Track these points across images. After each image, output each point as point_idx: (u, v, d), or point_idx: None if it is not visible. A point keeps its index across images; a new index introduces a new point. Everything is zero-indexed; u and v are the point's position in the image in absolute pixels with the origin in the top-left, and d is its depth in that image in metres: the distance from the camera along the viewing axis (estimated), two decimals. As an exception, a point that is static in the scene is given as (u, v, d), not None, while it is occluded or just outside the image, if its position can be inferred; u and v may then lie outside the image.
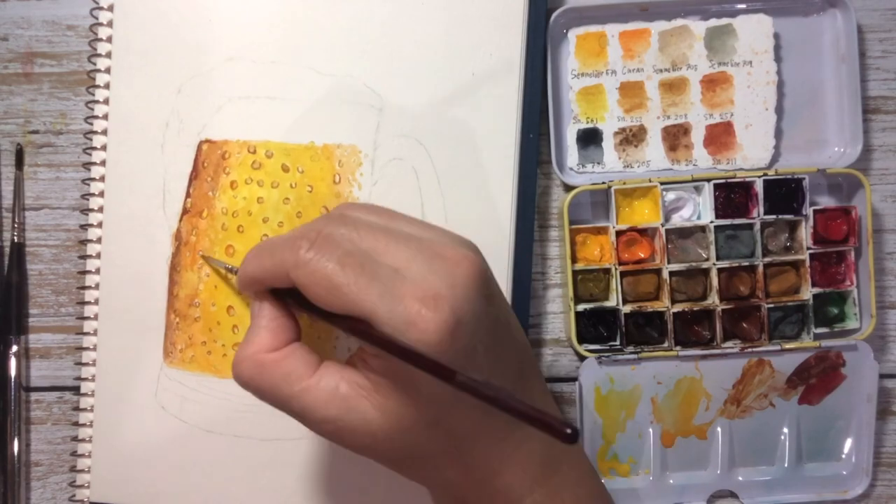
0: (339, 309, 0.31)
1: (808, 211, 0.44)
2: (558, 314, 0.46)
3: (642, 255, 0.45)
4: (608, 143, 0.45)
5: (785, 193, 0.44)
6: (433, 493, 0.37)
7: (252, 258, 0.34)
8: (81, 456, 0.45)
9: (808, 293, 0.45)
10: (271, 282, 0.33)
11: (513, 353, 0.35)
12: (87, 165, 0.44)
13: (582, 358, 0.45)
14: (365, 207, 0.35)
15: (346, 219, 0.33)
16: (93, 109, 0.44)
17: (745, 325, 0.45)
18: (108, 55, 0.44)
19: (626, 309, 0.44)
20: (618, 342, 0.45)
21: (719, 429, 0.46)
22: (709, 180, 0.44)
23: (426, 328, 0.30)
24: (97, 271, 0.44)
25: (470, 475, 0.34)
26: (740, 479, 0.46)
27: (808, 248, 0.44)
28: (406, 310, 0.30)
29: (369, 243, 0.32)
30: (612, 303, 0.45)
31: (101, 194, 0.44)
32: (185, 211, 0.44)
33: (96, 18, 0.44)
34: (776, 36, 0.45)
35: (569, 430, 0.25)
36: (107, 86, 0.44)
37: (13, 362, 0.46)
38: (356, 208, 0.34)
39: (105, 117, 0.44)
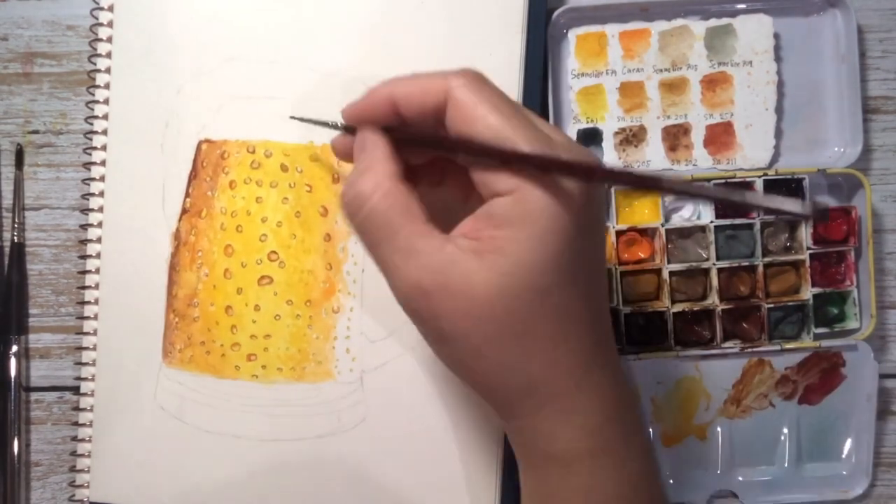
0: (485, 135, 0.29)
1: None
2: (558, 314, 0.46)
3: (642, 255, 0.45)
4: (608, 143, 0.45)
5: (785, 193, 0.44)
6: (499, 403, 0.33)
7: (396, 78, 0.32)
8: (81, 456, 0.45)
9: (808, 293, 0.45)
10: (413, 104, 0.31)
11: (603, 277, 0.34)
12: (87, 165, 0.44)
13: (582, 358, 0.45)
14: None
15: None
16: (93, 109, 0.44)
17: (745, 325, 0.45)
18: (108, 55, 0.44)
19: (626, 309, 0.44)
20: (618, 342, 0.45)
21: (719, 429, 0.46)
22: (709, 180, 0.44)
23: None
24: (97, 271, 0.44)
25: (554, 380, 0.31)
26: (740, 479, 0.46)
27: (808, 248, 0.44)
28: (553, 150, 0.29)
29: (520, 106, 0.31)
30: (612, 303, 0.45)
31: (101, 194, 0.44)
32: (184, 210, 0.44)
33: (96, 18, 0.44)
34: (776, 36, 0.45)
35: (808, 210, 0.23)
36: (107, 86, 0.44)
37: (13, 362, 0.46)
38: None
39: (105, 117, 0.44)
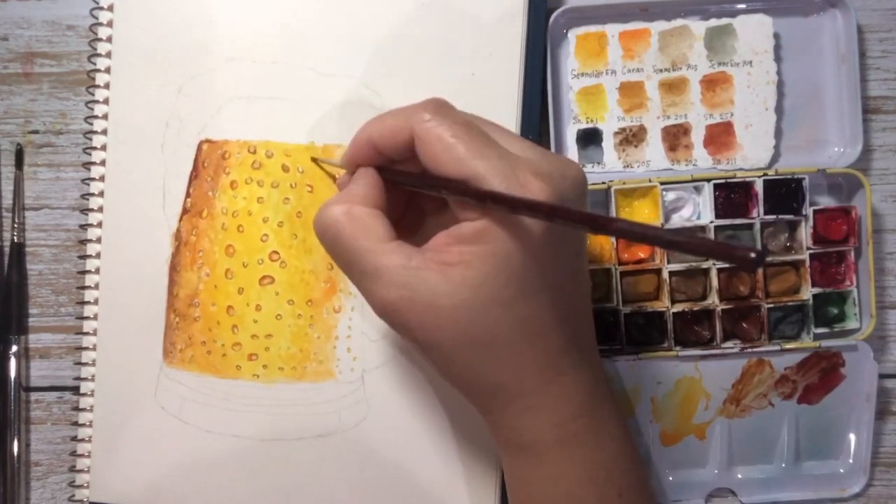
0: (451, 167, 0.31)
1: (808, 211, 0.44)
2: (558, 314, 0.46)
3: (642, 256, 0.45)
4: (608, 143, 0.45)
5: (785, 193, 0.44)
6: (474, 402, 0.36)
7: (371, 122, 0.34)
8: (81, 456, 0.45)
9: (807, 293, 0.45)
10: (387, 143, 0.33)
11: (586, 276, 0.36)
12: (87, 165, 0.44)
13: (582, 358, 0.45)
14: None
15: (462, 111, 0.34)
16: (93, 109, 0.44)
17: (744, 325, 0.45)
18: (108, 55, 0.44)
19: (626, 309, 0.44)
20: (618, 342, 0.45)
21: (718, 428, 0.46)
22: (709, 180, 0.44)
23: (537, 196, 0.30)
24: (97, 271, 0.44)
25: (522, 380, 0.33)
26: (739, 477, 0.46)
27: (808, 248, 0.44)
28: (519, 177, 0.30)
29: (486, 128, 0.33)
30: (612, 303, 0.45)
31: (101, 194, 0.44)
32: (185, 211, 0.44)
33: (96, 18, 0.44)
34: (776, 36, 0.45)
35: (753, 255, 0.23)
36: (107, 86, 0.44)
37: (13, 362, 0.46)
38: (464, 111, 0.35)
39: (105, 117, 0.44)
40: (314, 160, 0.43)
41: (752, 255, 0.22)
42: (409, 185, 0.35)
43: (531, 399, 0.34)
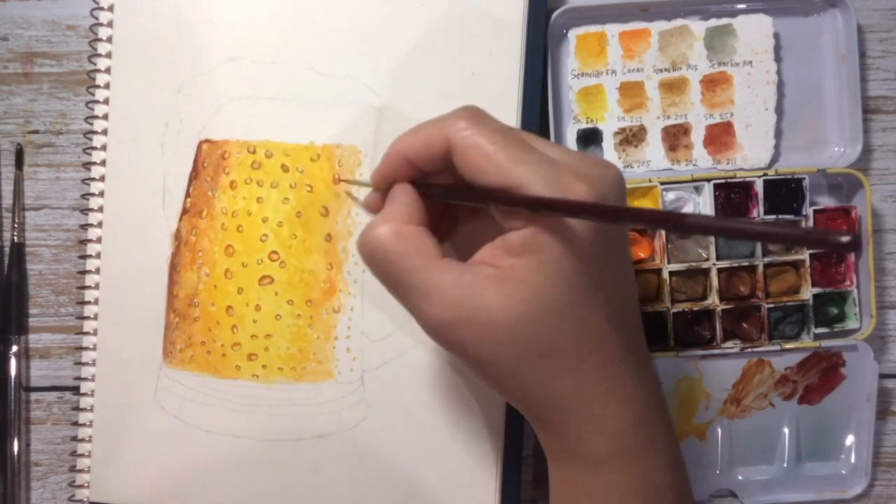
0: (492, 176, 0.30)
1: (808, 211, 0.44)
2: (558, 314, 0.46)
3: (642, 255, 0.45)
4: (608, 143, 0.45)
5: (785, 193, 0.44)
6: (533, 416, 0.35)
7: (404, 135, 0.33)
8: (81, 456, 0.45)
9: (808, 293, 0.45)
10: (422, 156, 0.33)
11: (632, 280, 0.35)
12: (87, 165, 0.44)
13: (582, 358, 0.45)
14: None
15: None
16: (93, 109, 0.44)
17: (745, 325, 0.45)
18: (108, 55, 0.44)
19: (626, 309, 0.44)
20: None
21: (719, 429, 0.46)
22: (709, 180, 0.44)
23: (581, 196, 0.30)
24: (97, 271, 0.44)
25: (581, 390, 0.33)
26: (740, 478, 0.46)
27: (808, 248, 0.44)
28: (562, 180, 0.30)
29: (521, 134, 0.32)
30: (611, 303, 0.45)
31: (101, 194, 0.44)
32: (184, 211, 0.44)
33: (96, 18, 0.44)
34: (776, 36, 0.45)
35: (847, 238, 0.22)
36: (107, 86, 0.44)
37: (13, 362, 0.46)
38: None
39: (105, 117, 0.44)
40: (341, 180, 0.43)
41: (846, 238, 0.21)
42: (449, 199, 0.34)
43: (592, 409, 0.33)
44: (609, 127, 0.45)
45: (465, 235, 0.36)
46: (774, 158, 0.45)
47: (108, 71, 0.44)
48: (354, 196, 0.43)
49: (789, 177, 0.44)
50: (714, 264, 0.44)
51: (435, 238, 0.33)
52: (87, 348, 0.44)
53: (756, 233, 0.24)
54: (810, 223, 0.44)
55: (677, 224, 0.25)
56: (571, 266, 0.30)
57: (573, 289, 0.31)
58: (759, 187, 0.44)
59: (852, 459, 0.46)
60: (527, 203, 0.30)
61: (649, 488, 0.35)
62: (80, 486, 0.45)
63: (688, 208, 0.45)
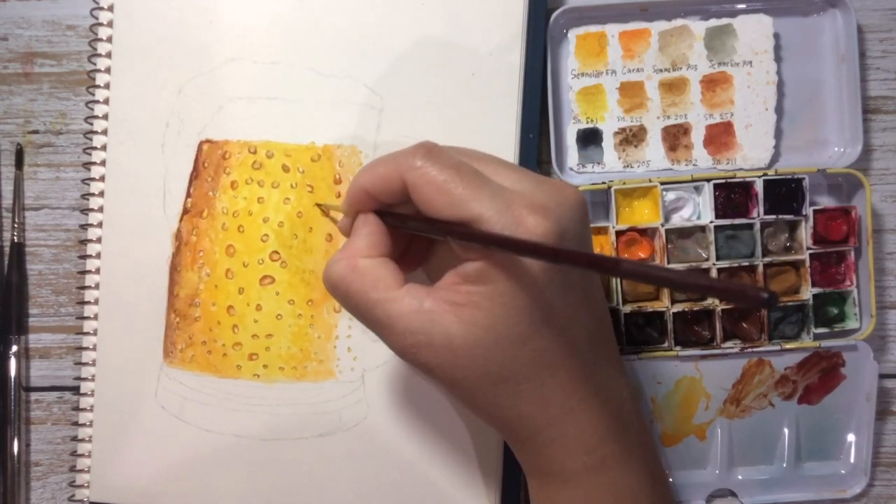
0: (446, 212, 0.31)
1: (808, 211, 0.44)
2: (558, 314, 0.46)
3: (642, 256, 0.45)
4: (608, 143, 0.45)
5: (785, 193, 0.44)
6: (504, 435, 0.37)
7: (364, 170, 0.34)
8: (81, 456, 0.45)
9: (808, 293, 0.45)
10: (381, 191, 0.34)
11: (599, 299, 0.36)
12: (87, 165, 0.44)
13: (582, 358, 0.45)
14: (464, 147, 0.36)
15: (451, 148, 0.34)
16: (93, 109, 0.44)
17: (745, 325, 0.45)
18: (108, 55, 0.44)
19: (626, 309, 0.44)
20: (618, 342, 0.45)
21: (719, 429, 0.46)
22: (709, 180, 0.44)
23: (534, 231, 0.30)
24: (97, 271, 0.44)
25: (545, 411, 0.34)
26: (740, 478, 0.46)
27: (808, 248, 0.44)
28: (515, 214, 0.30)
29: (478, 165, 0.33)
30: (612, 303, 0.45)
31: (101, 194, 0.44)
32: (185, 211, 0.44)
33: (96, 18, 0.44)
34: (776, 36, 0.45)
35: (765, 295, 0.22)
36: (107, 86, 0.44)
37: (13, 362, 0.46)
38: (456, 146, 0.35)
39: (105, 117, 0.44)
40: (317, 205, 0.43)
41: (765, 295, 0.22)
42: (411, 230, 0.35)
43: (557, 428, 0.34)
44: (609, 127, 0.45)
45: (442, 256, 0.37)
46: (774, 158, 0.45)
47: (108, 71, 0.44)
48: (332, 218, 0.43)
49: (789, 177, 0.44)
50: (714, 264, 0.44)
51: (395, 266, 0.34)
52: (87, 348, 0.44)
53: (677, 283, 0.24)
54: (810, 223, 0.44)
55: (612, 269, 0.26)
56: (524, 299, 0.31)
57: (530, 319, 0.32)
58: (759, 187, 0.44)
59: (852, 459, 0.46)
60: (478, 239, 0.30)
61: (624, 499, 0.36)
62: (81, 486, 0.45)
63: (688, 208, 0.45)
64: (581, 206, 0.33)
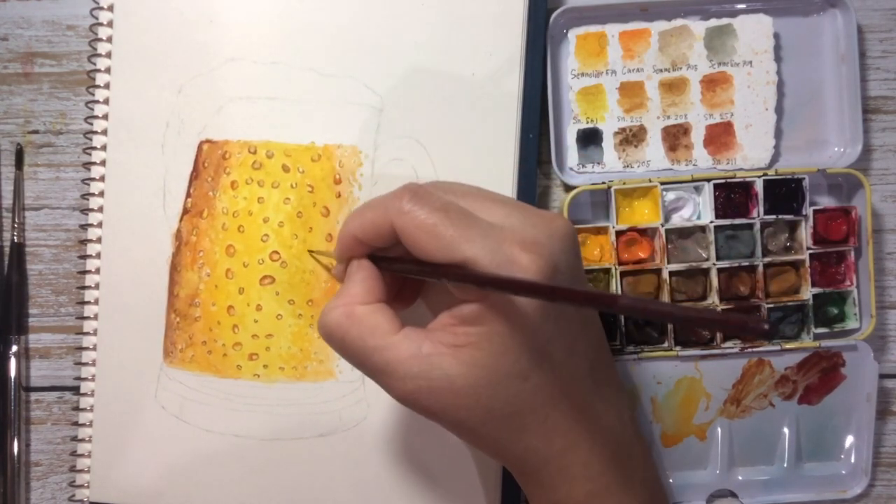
0: (438, 255, 0.31)
1: (808, 211, 0.44)
2: (558, 314, 0.46)
3: (642, 256, 0.45)
4: (608, 143, 0.45)
5: (785, 193, 0.44)
6: (510, 468, 0.37)
7: (352, 216, 0.34)
8: (81, 456, 0.45)
9: (808, 293, 0.45)
10: (371, 237, 0.34)
11: (595, 325, 0.36)
12: (87, 165, 0.44)
13: (582, 358, 0.45)
14: (450, 182, 0.36)
15: (438, 185, 0.34)
16: (93, 109, 0.44)
17: (745, 325, 0.45)
18: (108, 55, 0.44)
19: (627, 309, 0.44)
20: (618, 342, 0.45)
21: (719, 429, 0.46)
22: (709, 180, 0.44)
23: (527, 268, 0.30)
24: (97, 271, 0.44)
25: (550, 444, 0.34)
26: (740, 478, 0.46)
27: (808, 249, 0.44)
28: (506, 252, 0.31)
29: (466, 202, 0.33)
30: (612, 303, 0.45)
31: (101, 194, 0.44)
32: (185, 211, 0.44)
33: (96, 18, 0.44)
34: (776, 36, 0.45)
35: (766, 326, 0.22)
36: (107, 86, 0.44)
37: (13, 362, 0.46)
38: (442, 182, 0.35)
39: (105, 117, 0.44)
40: (310, 252, 0.43)
41: (766, 326, 0.22)
42: (404, 273, 0.35)
43: (563, 458, 0.34)
44: (609, 127, 0.45)
45: (439, 290, 0.37)
46: (774, 158, 0.45)
47: (108, 71, 0.44)
48: (325, 266, 0.43)
49: (789, 177, 0.44)
50: (714, 264, 0.44)
51: (392, 311, 0.34)
52: (87, 348, 0.44)
53: (677, 317, 0.24)
54: (810, 223, 0.44)
55: (610, 305, 0.26)
56: (523, 337, 0.32)
57: (529, 356, 0.32)
58: (759, 187, 0.44)
59: (852, 459, 0.46)
60: (473, 281, 0.30)
61: None
62: (81, 486, 0.45)
63: (688, 208, 0.45)
64: (571, 237, 0.34)
